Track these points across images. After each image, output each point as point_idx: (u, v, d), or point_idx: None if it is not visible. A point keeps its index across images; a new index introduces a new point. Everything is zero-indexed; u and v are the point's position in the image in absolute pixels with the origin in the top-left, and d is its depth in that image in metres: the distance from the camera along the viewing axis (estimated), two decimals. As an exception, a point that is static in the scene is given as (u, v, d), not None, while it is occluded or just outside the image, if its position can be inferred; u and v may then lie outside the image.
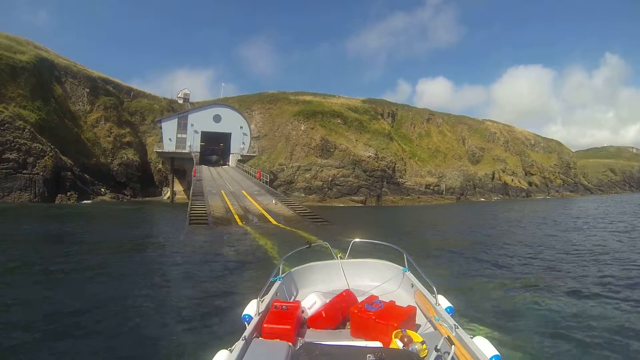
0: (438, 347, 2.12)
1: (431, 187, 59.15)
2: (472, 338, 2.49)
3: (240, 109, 51.37)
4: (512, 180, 70.88)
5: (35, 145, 34.58)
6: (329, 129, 51.07)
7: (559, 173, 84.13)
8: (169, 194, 45.14)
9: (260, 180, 35.40)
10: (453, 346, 2.16)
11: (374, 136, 54.83)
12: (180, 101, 57.72)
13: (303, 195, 46.33)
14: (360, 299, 3.27)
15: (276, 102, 55.74)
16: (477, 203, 55.25)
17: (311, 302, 3.31)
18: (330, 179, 48.01)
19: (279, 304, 3.02)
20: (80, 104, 47.90)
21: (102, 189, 40.09)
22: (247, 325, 2.79)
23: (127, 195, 43.38)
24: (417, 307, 3.21)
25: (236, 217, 18.71)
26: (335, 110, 54.19)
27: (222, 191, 26.77)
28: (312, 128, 50.16)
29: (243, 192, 27.03)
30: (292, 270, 4.01)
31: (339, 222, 20.60)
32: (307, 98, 56.85)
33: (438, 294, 3.15)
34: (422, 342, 2.37)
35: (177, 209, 26.47)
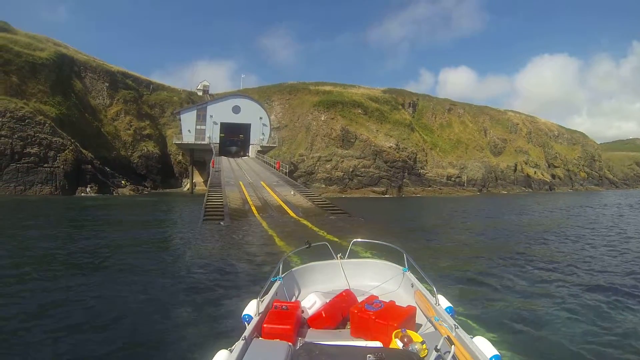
0: (438, 347, 2.09)
1: (452, 179, 57.85)
2: (472, 338, 2.47)
3: (260, 99, 50.87)
4: (535, 172, 68.90)
5: (55, 139, 34.77)
6: (349, 119, 50.14)
7: (583, 166, 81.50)
8: (188, 185, 45.02)
9: (279, 171, 34.80)
10: (453, 346, 2.13)
11: (395, 126, 53.69)
12: (200, 93, 57.53)
13: (323, 186, 45.65)
14: (360, 299, 3.24)
15: (296, 92, 55.04)
16: (499, 196, 53.72)
17: (311, 302, 3.29)
18: (350, 169, 47.18)
19: (279, 304, 3.00)
20: (100, 98, 48.09)
21: (123, 181, 40.13)
22: (247, 325, 2.77)
23: (148, 187, 43.36)
24: (417, 307, 3.19)
25: (253, 208, 18.00)
26: (356, 100, 53.19)
27: (241, 182, 26.24)
28: (333, 118, 49.30)
29: (262, 183, 26.42)
30: (292, 270, 3.99)
31: (359, 214, 19.75)
32: (327, 88, 55.97)
33: (438, 294, 3.13)
34: (422, 342, 2.36)
35: (196, 200, 25.91)
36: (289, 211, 17.87)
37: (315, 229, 13.99)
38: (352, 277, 4.00)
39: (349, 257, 4.25)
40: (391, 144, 51.44)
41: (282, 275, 3.68)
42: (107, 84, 48.79)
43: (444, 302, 3.10)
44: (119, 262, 9.02)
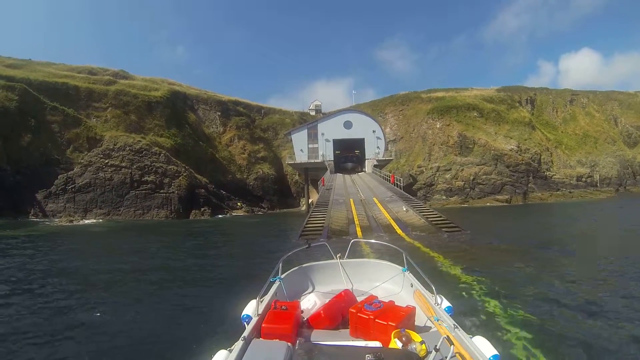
0: (437, 347, 2.09)
1: (583, 179, 51.22)
2: (471, 338, 2.46)
3: (373, 113, 50.03)
4: (685, 163, 58.26)
5: (170, 167, 37.79)
6: (465, 123, 46.95)
7: None
8: (305, 204, 45.68)
9: (394, 185, 33.19)
10: (452, 346, 2.13)
11: (514, 126, 49.11)
12: (313, 113, 58.45)
13: (444, 197, 43.20)
14: (359, 299, 3.19)
15: (408, 102, 53.23)
16: None
17: (310, 302, 3.30)
18: (471, 177, 43.98)
19: (279, 304, 2.96)
20: (214, 126, 51.37)
21: (238, 203, 41.94)
22: (246, 325, 2.77)
23: (264, 208, 44.82)
24: (417, 307, 3.14)
25: (358, 229, 16.40)
26: (470, 103, 49.70)
27: (351, 199, 24.86)
28: (448, 125, 46.55)
29: (374, 199, 24.79)
30: (292, 270, 3.91)
31: (475, 229, 17.72)
32: (439, 94, 53.26)
33: (437, 293, 3.10)
34: (422, 342, 2.32)
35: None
36: (398, 230, 16.08)
37: (425, 249, 12.20)
38: (351, 277, 3.92)
39: (348, 257, 4.17)
40: (512, 146, 47.10)
41: (282, 276, 3.63)
42: (219, 113, 52.01)
43: (443, 302, 3.05)
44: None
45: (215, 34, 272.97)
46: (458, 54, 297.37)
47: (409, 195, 26.93)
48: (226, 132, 51.61)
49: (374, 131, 45.72)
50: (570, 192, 47.47)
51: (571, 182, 49.49)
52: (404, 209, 20.31)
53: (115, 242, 20.51)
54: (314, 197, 45.94)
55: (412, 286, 3.63)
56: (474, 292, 6.95)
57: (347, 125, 46.48)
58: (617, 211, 30.29)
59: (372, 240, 5.34)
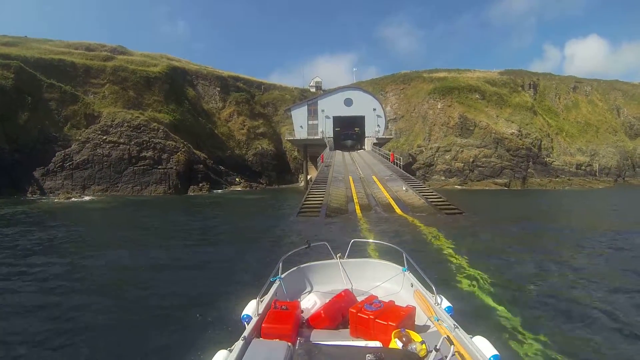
0: (437, 347, 2.09)
1: (582, 167, 50.98)
2: (471, 338, 2.46)
3: (374, 91, 49.58)
4: (685, 156, 58.09)
5: (169, 142, 37.45)
6: (467, 105, 46.57)
7: None
8: (303, 180, 45.54)
9: (393, 163, 32.91)
10: (452, 346, 2.12)
11: (515, 110, 48.76)
12: (313, 89, 58.12)
13: (443, 178, 43.00)
14: (359, 299, 3.20)
15: (410, 81, 52.82)
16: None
17: (310, 302, 3.29)
18: (471, 159, 43.76)
19: (279, 304, 2.97)
20: (213, 102, 50.90)
21: (237, 179, 41.78)
22: (246, 325, 2.78)
23: (263, 184, 44.68)
24: (417, 307, 3.15)
25: (357, 207, 16.18)
26: (472, 85, 49.30)
27: (351, 177, 24.51)
28: (450, 105, 46.18)
29: (373, 177, 24.39)
30: (292, 270, 3.90)
31: (477, 211, 17.34)
32: (442, 75, 52.86)
33: (437, 293, 3.12)
34: (422, 342, 2.33)
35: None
36: (397, 209, 15.77)
37: (422, 226, 11.99)
38: (351, 277, 3.93)
39: (348, 257, 4.18)
40: (513, 130, 46.82)
41: (282, 275, 3.64)
42: (219, 89, 51.50)
43: (443, 302, 3.06)
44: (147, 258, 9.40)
45: (218, 6, 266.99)
46: (463, 33, 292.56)
47: (408, 175, 26.65)
48: (225, 107, 51.22)
49: (374, 109, 45.31)
50: (569, 180, 47.21)
51: (570, 169, 49.28)
52: (404, 188, 20.04)
53: (113, 218, 20.28)
54: (312, 174, 45.75)
55: (412, 286, 3.64)
56: (474, 283, 6.72)
57: (348, 102, 46.06)
58: (611, 199, 29.83)
59: (372, 240, 5.14)
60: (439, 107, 46.40)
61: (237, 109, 50.82)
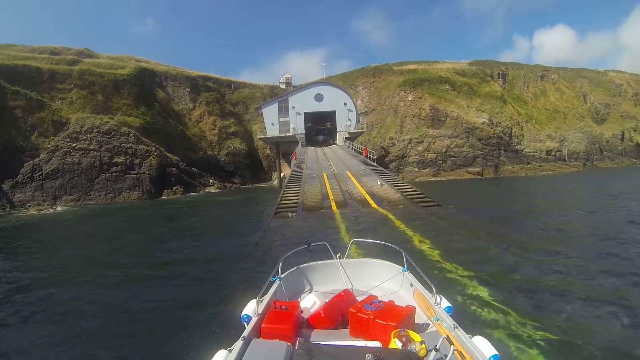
0: (437, 347, 2.09)
1: (552, 153, 52.07)
2: (471, 338, 2.46)
3: (344, 86, 49.48)
4: (647, 140, 59.98)
5: (140, 147, 36.53)
6: (437, 96, 46.87)
7: None
8: (277, 179, 44.91)
9: (367, 158, 32.63)
10: (452, 346, 2.12)
11: (485, 100, 49.35)
12: (283, 86, 57.45)
13: (416, 169, 43.13)
14: (359, 299, 3.19)
15: (380, 74, 52.87)
16: (607, 170, 47.26)
17: (310, 302, 3.30)
18: (443, 150, 44.09)
19: (278, 304, 2.96)
20: (183, 103, 49.87)
21: (210, 180, 41.00)
22: (246, 325, 2.79)
23: (237, 184, 43.89)
24: (417, 307, 3.14)
25: (333, 204, 15.92)
26: (442, 76, 49.70)
27: (324, 173, 24.26)
28: (420, 97, 46.37)
29: (347, 172, 24.17)
30: (291, 270, 3.90)
31: (452, 202, 17.25)
32: (412, 67, 53.10)
33: (437, 293, 3.13)
34: (421, 342, 2.32)
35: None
36: (373, 204, 15.63)
37: (397, 222, 11.78)
38: (351, 276, 3.92)
39: (347, 257, 4.20)
40: (484, 119, 47.36)
41: (281, 275, 3.64)
42: (189, 89, 50.47)
43: (443, 302, 3.06)
44: (136, 264, 9.55)
45: (187, 1, 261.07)
46: (436, 25, 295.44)
47: (382, 169, 26.43)
48: (196, 108, 50.23)
49: (345, 103, 45.14)
50: (540, 166, 48.19)
51: (541, 155, 50.24)
52: (379, 183, 19.91)
53: (84, 230, 19.41)
54: (286, 171, 45.14)
55: (411, 286, 3.63)
56: (453, 276, 6.74)
57: (318, 97, 45.72)
58: (580, 182, 30.59)
59: (372, 240, 4.63)
60: (409, 99, 46.53)
61: (208, 109, 49.92)
